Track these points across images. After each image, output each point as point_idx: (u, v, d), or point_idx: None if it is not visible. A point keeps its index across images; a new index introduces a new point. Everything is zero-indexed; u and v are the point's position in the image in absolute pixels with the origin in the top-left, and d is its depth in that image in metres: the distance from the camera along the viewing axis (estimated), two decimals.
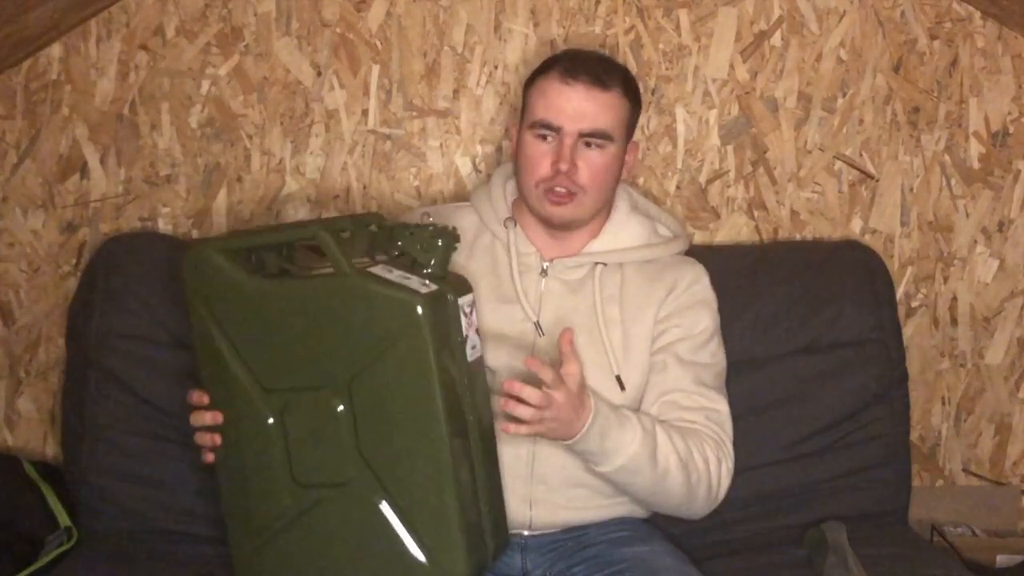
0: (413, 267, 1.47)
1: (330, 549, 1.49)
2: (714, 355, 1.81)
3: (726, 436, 1.75)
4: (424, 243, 1.46)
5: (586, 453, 1.60)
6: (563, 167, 1.68)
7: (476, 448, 1.48)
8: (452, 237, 1.48)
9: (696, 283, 1.82)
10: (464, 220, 1.83)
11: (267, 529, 1.51)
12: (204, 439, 1.57)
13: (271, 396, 1.48)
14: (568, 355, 1.53)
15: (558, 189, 1.70)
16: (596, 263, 1.78)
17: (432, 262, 1.46)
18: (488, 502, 1.50)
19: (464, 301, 1.48)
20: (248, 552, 1.54)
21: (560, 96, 1.69)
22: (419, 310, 1.40)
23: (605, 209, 1.81)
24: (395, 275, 1.44)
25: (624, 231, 1.82)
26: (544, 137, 1.71)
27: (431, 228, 1.47)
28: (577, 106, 1.69)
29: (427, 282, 1.44)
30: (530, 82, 1.78)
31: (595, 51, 1.97)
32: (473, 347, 1.49)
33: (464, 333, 1.46)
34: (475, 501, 1.48)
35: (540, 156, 1.71)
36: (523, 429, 1.49)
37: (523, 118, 1.77)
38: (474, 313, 1.50)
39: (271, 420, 1.48)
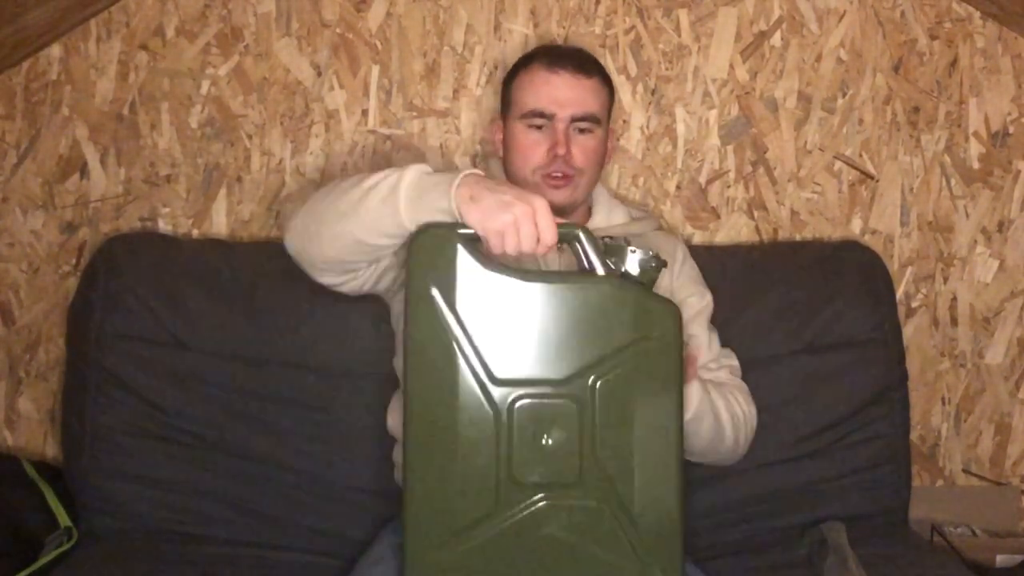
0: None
1: (534, 551, 1.43)
2: (712, 326, 1.89)
3: (745, 385, 1.81)
4: (642, 264, 1.47)
5: None
6: (560, 151, 1.75)
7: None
8: (663, 263, 1.49)
9: (688, 256, 1.93)
10: None
11: (461, 529, 1.42)
12: None
13: (500, 389, 1.41)
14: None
15: (556, 173, 1.77)
16: (602, 238, 1.81)
17: (644, 281, 1.47)
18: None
19: None
20: (429, 551, 1.43)
21: (548, 85, 1.77)
22: (679, 317, 1.43)
23: (590, 195, 1.89)
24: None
25: (612, 211, 1.90)
26: (537, 126, 1.78)
27: (650, 252, 1.48)
28: (566, 93, 1.77)
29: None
30: (511, 77, 1.85)
31: (568, 45, 2.09)
32: None
33: None
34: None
35: (534, 144, 1.78)
36: None
37: (510, 110, 1.83)
38: None
39: (496, 413, 1.41)
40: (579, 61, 1.80)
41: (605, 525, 1.42)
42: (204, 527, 1.90)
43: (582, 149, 1.77)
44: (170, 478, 1.91)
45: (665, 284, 1.84)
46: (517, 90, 1.81)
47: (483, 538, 1.42)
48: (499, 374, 1.42)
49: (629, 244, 1.49)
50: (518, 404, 1.42)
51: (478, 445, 1.42)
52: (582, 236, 1.44)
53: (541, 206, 1.41)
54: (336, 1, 2.14)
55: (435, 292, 1.40)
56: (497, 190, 1.42)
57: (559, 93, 1.76)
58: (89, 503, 1.91)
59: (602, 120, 1.81)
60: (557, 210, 1.77)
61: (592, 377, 1.42)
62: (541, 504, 1.42)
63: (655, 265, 1.47)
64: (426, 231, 1.43)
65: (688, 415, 1.61)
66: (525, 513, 1.42)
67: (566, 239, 1.46)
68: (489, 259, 1.43)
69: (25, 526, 1.91)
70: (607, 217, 1.88)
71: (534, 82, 1.78)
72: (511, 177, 1.83)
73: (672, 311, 1.43)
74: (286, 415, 1.95)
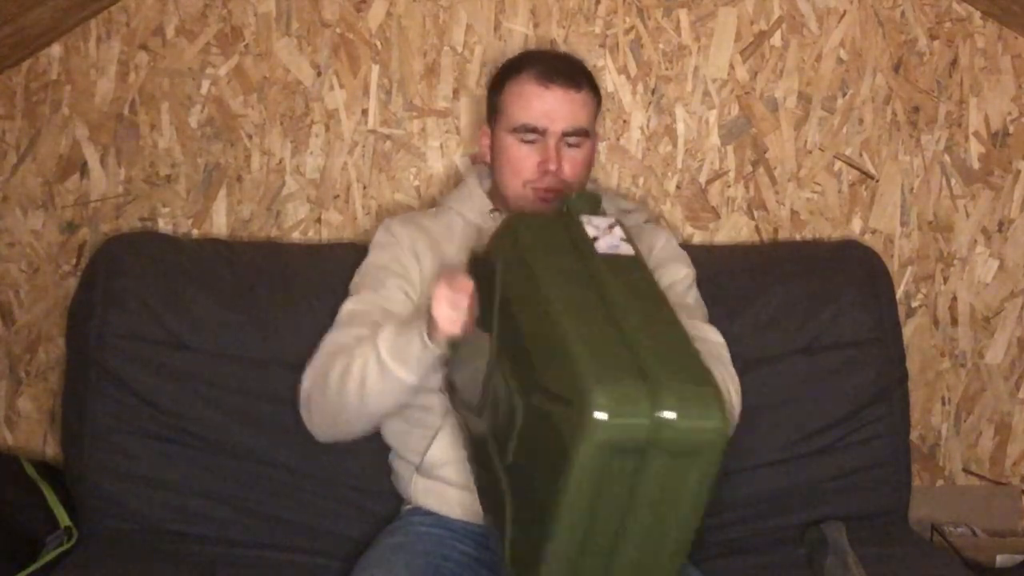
0: None
1: None
2: (698, 300, 1.87)
3: (726, 359, 1.76)
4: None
5: None
6: (552, 167, 1.75)
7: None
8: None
9: (669, 241, 1.91)
10: (444, 222, 1.88)
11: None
12: None
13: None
14: None
15: (547, 188, 1.76)
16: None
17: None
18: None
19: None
20: None
21: (540, 99, 1.76)
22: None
23: None
24: None
25: None
26: (527, 140, 1.77)
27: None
28: (558, 108, 1.76)
29: None
30: (499, 84, 1.83)
31: (554, 50, 2.08)
32: None
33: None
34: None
35: (524, 158, 1.77)
36: None
37: (498, 120, 1.82)
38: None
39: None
40: (570, 73, 1.79)
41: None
42: (204, 527, 1.90)
43: (572, 163, 1.77)
44: (170, 478, 1.91)
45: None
46: (507, 101, 1.80)
47: None
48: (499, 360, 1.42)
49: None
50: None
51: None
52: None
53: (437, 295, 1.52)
54: (336, 1, 2.13)
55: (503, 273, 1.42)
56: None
57: (550, 108, 1.76)
58: (89, 503, 1.90)
59: (591, 131, 1.81)
60: None
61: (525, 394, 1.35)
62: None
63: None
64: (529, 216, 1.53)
65: None
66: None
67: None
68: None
69: (25, 526, 1.91)
70: None
71: (524, 95, 1.77)
72: (500, 187, 1.84)
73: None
74: (286, 415, 1.91)
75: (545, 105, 1.76)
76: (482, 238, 1.83)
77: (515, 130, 1.77)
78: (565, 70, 1.79)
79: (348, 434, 1.76)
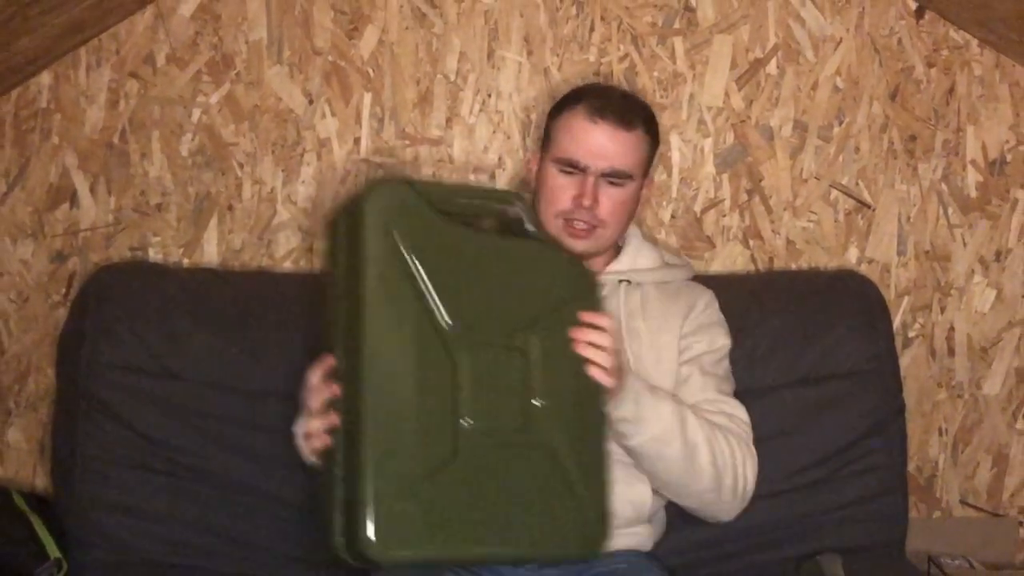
0: None
1: (488, 495, 1.50)
2: (728, 372, 1.86)
3: (748, 438, 1.77)
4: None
5: (620, 421, 1.62)
6: (585, 203, 1.74)
7: None
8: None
9: (712, 304, 1.89)
10: None
11: (417, 475, 1.47)
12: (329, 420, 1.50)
13: (451, 339, 1.48)
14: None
15: (578, 223, 1.76)
16: (620, 280, 1.84)
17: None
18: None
19: None
20: (393, 500, 1.46)
21: (586, 134, 1.75)
22: (595, 278, 1.60)
23: (618, 240, 1.88)
24: None
25: (641, 255, 1.89)
26: (568, 172, 1.76)
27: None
28: (602, 146, 1.74)
29: None
30: (556, 113, 1.82)
31: (619, 87, 2.04)
32: None
33: None
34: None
35: (561, 188, 1.76)
36: (605, 368, 1.53)
37: (547, 147, 1.81)
38: None
39: (448, 363, 1.48)
40: (623, 111, 1.76)
41: (545, 469, 1.51)
42: (196, 559, 1.89)
43: (610, 200, 1.75)
44: (161, 509, 1.90)
45: (675, 329, 1.83)
46: (557, 130, 1.79)
47: (438, 481, 1.45)
48: (450, 327, 1.47)
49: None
50: (466, 355, 1.48)
51: (433, 393, 1.47)
52: (522, 203, 1.58)
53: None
54: (328, 28, 2.13)
55: (396, 236, 1.45)
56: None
57: (595, 145, 1.74)
58: (79, 534, 1.90)
59: (635, 174, 1.77)
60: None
61: (533, 332, 1.51)
62: (485, 447, 1.49)
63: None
64: (380, 182, 1.54)
65: (654, 431, 1.63)
66: (470, 456, 1.48)
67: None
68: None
69: (14, 558, 1.89)
70: (633, 260, 1.87)
71: (573, 128, 1.76)
72: (538, 213, 1.80)
73: (586, 275, 1.58)
74: (279, 446, 1.88)
75: (590, 141, 1.74)
76: None
77: (557, 160, 1.77)
78: (618, 108, 1.76)
79: None
